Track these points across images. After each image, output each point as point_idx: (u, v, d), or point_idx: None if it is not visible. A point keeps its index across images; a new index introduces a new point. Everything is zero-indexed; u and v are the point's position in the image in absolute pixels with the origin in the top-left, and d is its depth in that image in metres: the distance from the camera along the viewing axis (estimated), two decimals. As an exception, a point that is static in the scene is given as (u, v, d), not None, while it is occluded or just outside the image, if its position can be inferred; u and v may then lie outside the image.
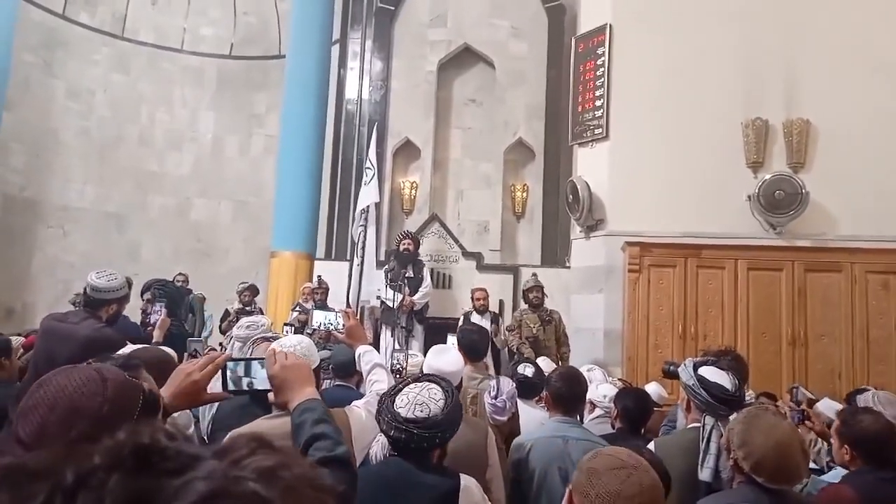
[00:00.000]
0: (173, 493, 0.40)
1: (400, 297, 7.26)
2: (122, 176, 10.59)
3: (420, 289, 7.46)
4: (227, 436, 0.52)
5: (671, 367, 3.44)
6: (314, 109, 8.99)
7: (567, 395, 2.88)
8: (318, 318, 3.30)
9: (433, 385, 2.10)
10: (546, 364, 4.57)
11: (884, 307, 6.01)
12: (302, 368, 1.60)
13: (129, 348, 2.50)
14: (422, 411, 1.98)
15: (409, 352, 5.47)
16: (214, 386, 1.61)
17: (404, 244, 7.61)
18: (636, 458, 1.43)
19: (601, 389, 3.55)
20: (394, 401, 2.03)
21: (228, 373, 1.63)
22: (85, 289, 3.29)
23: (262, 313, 7.32)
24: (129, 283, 3.49)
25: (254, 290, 7.85)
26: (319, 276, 7.86)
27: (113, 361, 1.29)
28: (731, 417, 2.39)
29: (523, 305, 7.01)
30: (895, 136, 6.31)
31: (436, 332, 6.87)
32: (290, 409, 1.52)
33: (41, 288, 9.58)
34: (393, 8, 9.75)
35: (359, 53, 9.77)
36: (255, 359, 1.69)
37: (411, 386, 2.09)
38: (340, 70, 9.75)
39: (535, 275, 7.01)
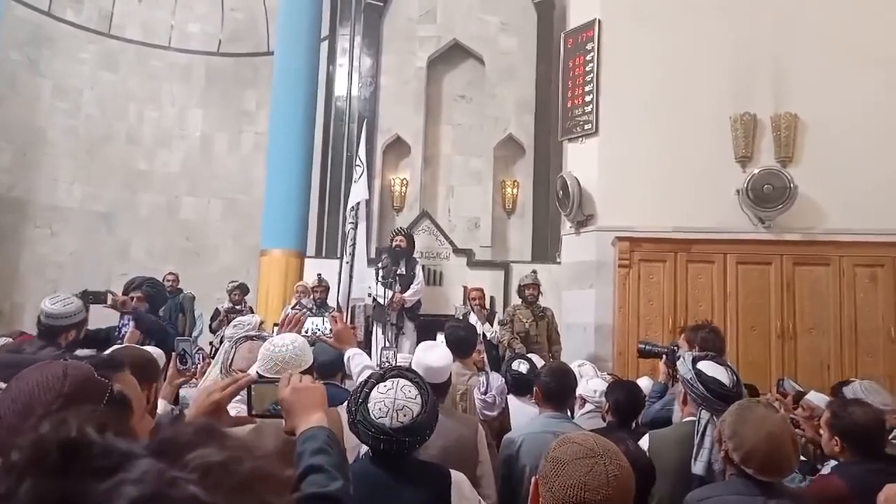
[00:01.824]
0: (99, 497, 0.34)
1: (390, 294, 7.25)
2: (110, 174, 10.51)
3: (411, 286, 7.44)
4: (172, 426, 0.45)
5: (645, 347, 3.48)
6: (303, 106, 8.94)
7: (556, 389, 2.88)
8: (307, 324, 3.28)
9: (404, 381, 1.99)
10: (539, 361, 4.58)
11: (871, 300, 6.06)
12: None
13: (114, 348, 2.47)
14: (405, 416, 1.90)
15: (397, 352, 5.46)
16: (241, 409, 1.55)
17: (396, 241, 7.60)
18: (604, 446, 1.30)
19: (591, 384, 3.56)
20: (368, 410, 1.92)
21: (253, 394, 1.53)
22: (39, 317, 3.08)
23: (253, 312, 7.29)
24: (87, 307, 3.33)
25: (244, 289, 7.81)
26: (319, 274, 7.82)
27: (94, 360, 1.27)
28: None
29: (516, 301, 7.02)
30: (883, 130, 6.35)
31: (426, 330, 6.88)
32: (297, 436, 1.42)
33: (30, 288, 9.50)
34: (382, 4, 9.72)
35: (348, 50, 9.74)
36: (278, 380, 1.57)
37: (379, 388, 1.97)
38: (329, 66, 9.72)
39: (534, 272, 7.00)
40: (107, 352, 2.41)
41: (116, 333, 4.05)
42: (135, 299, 4.15)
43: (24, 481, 0.34)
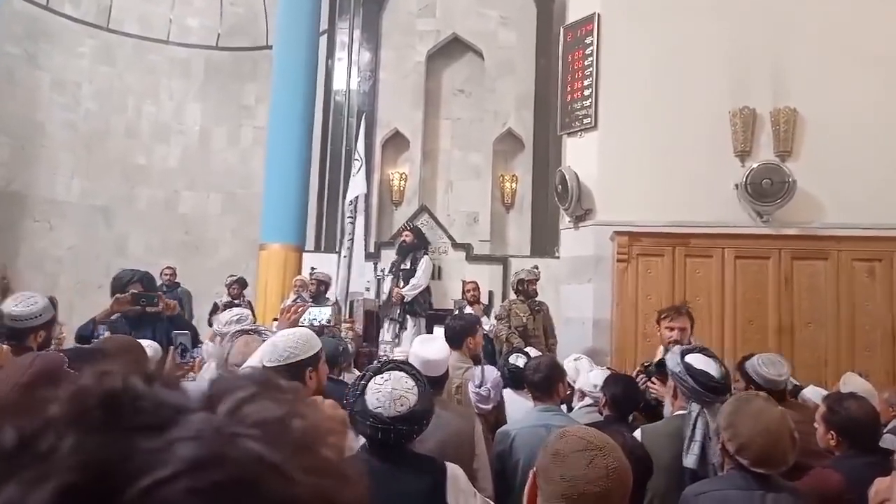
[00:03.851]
0: (149, 459, 0.30)
1: (390, 289, 7.29)
2: (109, 169, 10.50)
3: (411, 281, 7.45)
4: (220, 375, 0.41)
5: (649, 366, 3.42)
6: (302, 101, 8.93)
7: (539, 381, 2.89)
8: (305, 315, 3.27)
9: (400, 374, 2.02)
10: (536, 355, 4.57)
11: (869, 294, 6.06)
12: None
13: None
14: (402, 405, 1.92)
15: (395, 346, 5.47)
16: None
17: (403, 235, 7.64)
18: (603, 440, 1.33)
19: (591, 378, 3.55)
20: (365, 400, 1.94)
21: None
22: (2, 320, 2.84)
23: (251, 306, 7.30)
24: (54, 304, 3.11)
25: (242, 283, 7.82)
26: (313, 268, 7.83)
27: (74, 351, 1.27)
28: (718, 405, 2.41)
29: (512, 295, 7.01)
30: (882, 125, 6.34)
31: (429, 324, 6.90)
32: None
33: (28, 282, 9.49)
34: (381, -2, 9.71)
35: (347, 44, 9.72)
36: None
37: (376, 380, 1.99)
38: (328, 61, 9.70)
39: (536, 266, 6.98)
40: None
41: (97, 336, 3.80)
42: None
43: (66, 438, 0.30)
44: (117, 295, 3.65)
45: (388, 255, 8.04)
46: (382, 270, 7.57)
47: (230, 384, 0.37)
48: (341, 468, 0.35)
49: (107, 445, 0.30)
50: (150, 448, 0.31)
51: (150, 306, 3.70)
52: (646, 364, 3.48)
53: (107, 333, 3.32)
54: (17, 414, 0.32)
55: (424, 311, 7.52)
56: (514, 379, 3.70)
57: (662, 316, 3.90)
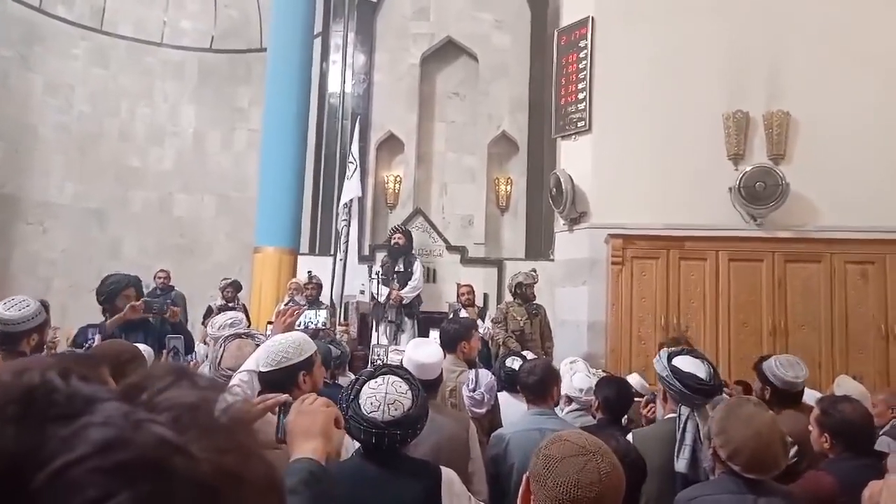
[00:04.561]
0: (58, 444, 0.32)
1: (388, 291, 7.27)
2: (102, 171, 10.46)
3: (409, 283, 7.45)
4: (142, 371, 0.43)
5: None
6: (297, 103, 8.92)
7: (533, 384, 2.89)
8: (301, 318, 3.25)
9: (394, 378, 2.02)
10: (532, 357, 4.56)
11: (862, 297, 6.09)
12: (313, 417, 1.38)
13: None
14: (396, 409, 1.93)
15: (393, 346, 5.46)
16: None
17: (395, 238, 7.62)
18: (596, 444, 1.32)
19: (575, 382, 3.51)
20: (359, 405, 1.94)
21: (282, 419, 1.43)
22: None
23: (246, 309, 7.28)
24: (46, 307, 3.11)
25: (236, 286, 7.80)
26: (310, 271, 7.81)
27: (63, 357, 1.26)
28: (708, 407, 2.41)
29: (508, 297, 7.00)
30: (875, 128, 6.37)
31: (421, 326, 6.89)
32: None
33: (21, 285, 9.43)
34: (375, 0, 9.70)
35: (341, 46, 9.72)
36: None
37: (370, 384, 1.99)
38: (323, 63, 9.69)
39: (534, 270, 6.96)
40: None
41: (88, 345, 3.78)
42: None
43: None
44: (132, 303, 3.67)
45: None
46: (377, 273, 7.56)
47: (145, 376, 0.40)
48: (252, 448, 0.37)
49: (19, 436, 0.32)
50: (60, 435, 0.33)
51: (160, 313, 3.77)
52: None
53: (98, 338, 3.32)
54: None
55: (418, 313, 7.52)
56: (510, 382, 3.70)
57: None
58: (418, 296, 7.57)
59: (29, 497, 0.31)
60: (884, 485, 1.42)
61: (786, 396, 3.07)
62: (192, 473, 0.34)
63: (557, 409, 3.31)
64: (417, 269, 7.62)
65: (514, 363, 3.81)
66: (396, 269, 7.44)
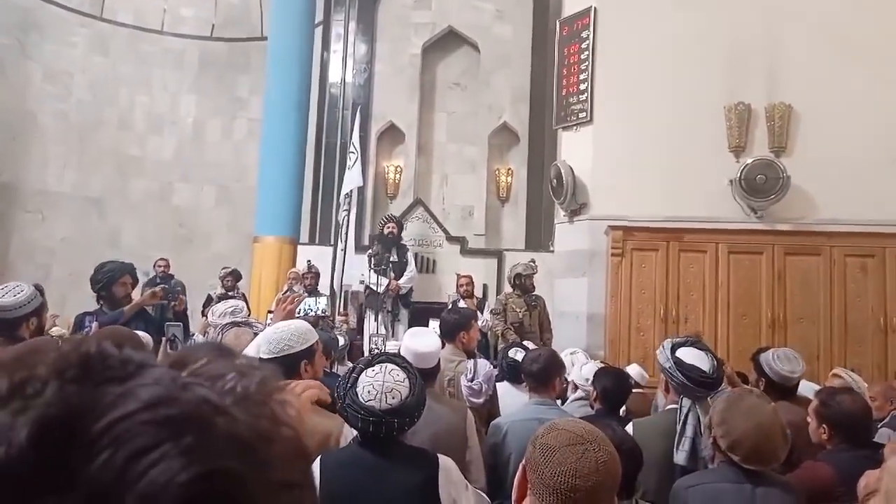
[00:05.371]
0: (113, 400, 0.37)
1: (385, 281, 7.26)
2: (102, 160, 10.43)
3: (405, 273, 7.45)
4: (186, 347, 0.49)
5: None
6: (297, 93, 8.89)
7: (537, 371, 2.89)
8: (301, 305, 3.26)
9: (391, 366, 2.02)
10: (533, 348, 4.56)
11: (861, 290, 6.08)
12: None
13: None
14: (394, 398, 1.92)
15: (391, 340, 5.46)
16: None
17: (388, 228, 7.59)
18: (592, 433, 1.32)
19: (584, 371, 3.55)
20: (357, 393, 1.94)
21: None
22: None
23: (245, 299, 7.28)
24: (41, 291, 3.07)
25: (236, 276, 7.79)
26: (309, 260, 7.80)
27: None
28: (709, 399, 2.41)
29: (508, 288, 6.99)
30: (875, 122, 6.35)
31: (419, 317, 6.88)
32: None
33: (20, 274, 9.42)
34: (376, -10, 9.66)
35: (342, 36, 9.68)
36: None
37: (368, 373, 1.99)
38: (324, 53, 9.66)
39: (533, 261, 6.95)
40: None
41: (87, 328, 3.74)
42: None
43: (48, 386, 0.38)
44: (153, 289, 3.86)
45: (383, 249, 8.03)
46: (370, 262, 7.54)
47: (189, 350, 0.45)
48: (280, 415, 0.42)
49: (80, 392, 0.37)
50: (115, 393, 0.37)
51: (174, 301, 3.98)
52: None
53: (94, 325, 3.34)
54: (8, 370, 0.39)
55: (411, 302, 7.54)
56: (513, 373, 3.70)
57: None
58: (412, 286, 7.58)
59: (87, 445, 0.35)
60: (884, 469, 1.41)
61: (780, 389, 3.08)
62: (231, 431, 0.38)
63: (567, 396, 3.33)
64: (411, 258, 7.63)
65: (517, 354, 3.81)
66: (391, 258, 7.43)
